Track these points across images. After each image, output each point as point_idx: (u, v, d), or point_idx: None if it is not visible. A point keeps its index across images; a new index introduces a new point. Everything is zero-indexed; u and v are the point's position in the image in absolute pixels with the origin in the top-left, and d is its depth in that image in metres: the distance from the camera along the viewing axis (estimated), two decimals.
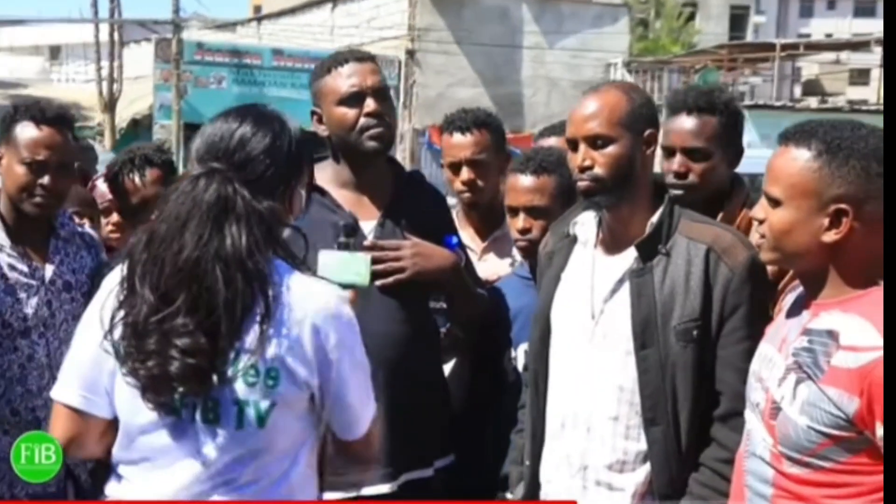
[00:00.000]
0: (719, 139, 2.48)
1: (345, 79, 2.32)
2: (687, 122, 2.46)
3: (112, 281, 1.68)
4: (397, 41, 17.33)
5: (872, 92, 24.17)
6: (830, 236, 1.63)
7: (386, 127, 2.32)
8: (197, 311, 1.56)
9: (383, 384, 2.08)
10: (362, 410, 1.74)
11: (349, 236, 2.13)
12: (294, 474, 1.67)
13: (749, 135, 13.24)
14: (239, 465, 1.62)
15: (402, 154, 16.63)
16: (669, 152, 2.48)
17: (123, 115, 16.93)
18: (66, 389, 1.71)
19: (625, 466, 2.02)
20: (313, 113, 2.39)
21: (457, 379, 2.64)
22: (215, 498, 1.62)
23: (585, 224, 2.13)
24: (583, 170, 2.01)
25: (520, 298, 2.48)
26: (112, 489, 1.72)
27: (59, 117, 2.35)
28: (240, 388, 1.60)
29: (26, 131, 2.34)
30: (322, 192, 2.35)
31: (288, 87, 15.13)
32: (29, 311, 2.33)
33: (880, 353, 1.53)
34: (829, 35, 31.10)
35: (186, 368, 1.56)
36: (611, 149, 1.99)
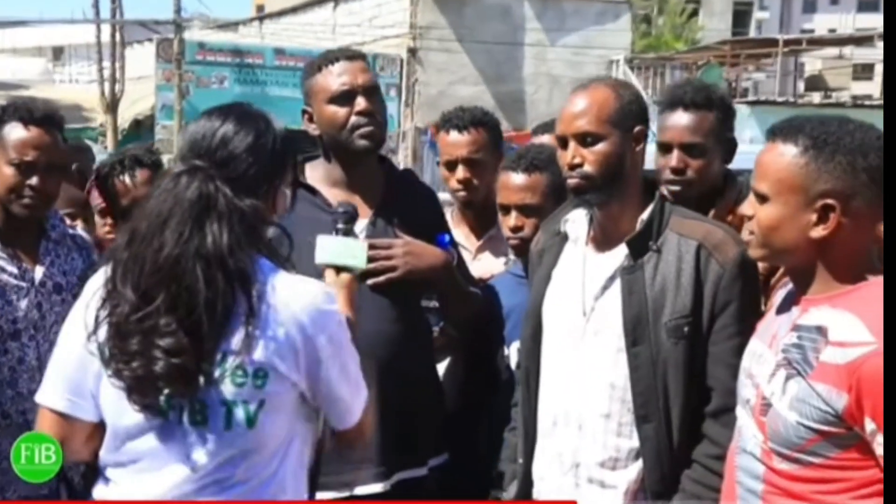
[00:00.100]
0: (716, 135, 2.48)
1: (335, 77, 2.31)
2: (684, 118, 2.45)
3: (96, 282, 1.67)
4: (399, 39, 17.32)
5: (876, 87, 24.09)
6: (818, 232, 1.63)
7: (377, 125, 2.32)
8: (177, 310, 1.56)
9: (375, 383, 2.08)
10: (353, 401, 1.75)
11: (348, 223, 2.13)
12: (283, 472, 1.67)
13: (752, 131, 13.24)
14: (229, 466, 1.62)
15: (404, 152, 16.63)
16: (666, 148, 2.47)
17: (125, 116, 16.95)
18: (51, 393, 1.70)
19: (617, 463, 2.02)
20: (304, 111, 2.38)
21: (451, 378, 2.64)
22: (204, 499, 1.62)
23: (576, 221, 2.13)
24: (572, 167, 2.01)
25: (513, 296, 2.47)
26: (99, 492, 1.71)
27: (47, 117, 2.34)
28: (227, 388, 1.59)
29: (14, 132, 2.33)
30: (313, 191, 2.35)
31: (290, 87, 15.11)
32: (19, 313, 2.33)
33: (868, 348, 1.53)
34: (832, 30, 31.03)
35: (171, 368, 1.55)
36: (600, 146, 1.99)
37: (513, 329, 2.44)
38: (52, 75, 25.04)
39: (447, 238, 2.46)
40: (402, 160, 16.05)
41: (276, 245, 1.71)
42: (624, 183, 2.02)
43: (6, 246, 2.37)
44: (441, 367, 2.63)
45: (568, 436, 2.06)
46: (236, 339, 1.57)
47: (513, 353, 2.44)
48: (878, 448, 1.54)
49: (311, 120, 2.37)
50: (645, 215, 2.03)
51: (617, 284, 2.02)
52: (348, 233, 2.10)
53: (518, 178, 2.43)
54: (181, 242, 1.56)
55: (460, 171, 2.77)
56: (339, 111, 2.30)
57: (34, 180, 2.31)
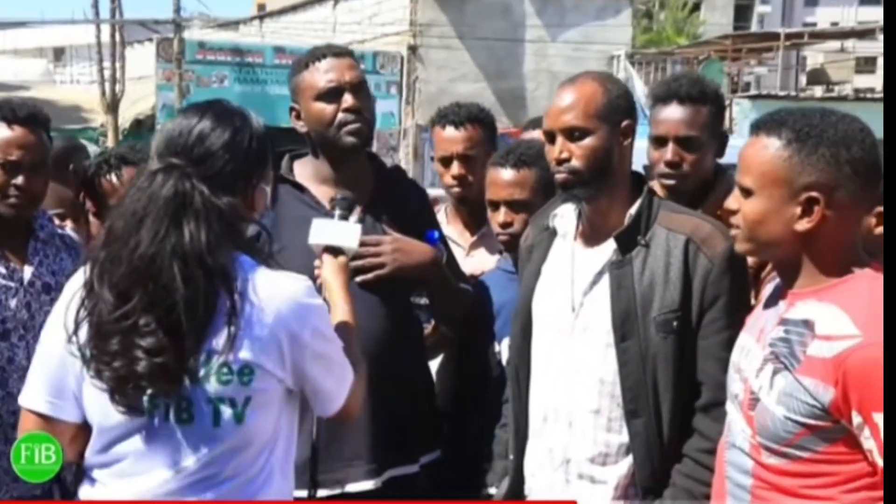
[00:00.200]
0: (710, 129, 2.48)
1: (322, 74, 2.31)
2: (679, 112, 2.45)
3: (75, 282, 1.67)
4: (399, 37, 17.30)
5: (878, 80, 23.98)
6: (803, 225, 1.62)
7: (364, 122, 2.31)
8: (155, 310, 1.55)
9: (366, 380, 2.08)
10: (338, 389, 1.75)
11: (346, 210, 2.13)
12: (270, 467, 1.67)
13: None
14: (217, 463, 1.62)
15: (405, 150, 16.62)
16: (660, 142, 2.47)
17: (126, 116, 16.92)
18: (33, 395, 1.70)
19: (607, 459, 2.02)
20: (291, 109, 2.38)
21: (444, 375, 2.64)
22: (193, 496, 1.62)
23: (565, 217, 2.13)
24: (560, 162, 2.00)
25: (504, 292, 2.47)
26: (85, 492, 1.71)
27: (31, 116, 2.34)
28: (214, 386, 1.59)
29: None
30: (301, 188, 2.35)
31: None
32: (8, 313, 2.32)
33: (854, 341, 1.52)
34: (834, 23, 30.93)
35: (153, 368, 1.55)
36: (587, 141, 1.98)
37: (503, 325, 2.43)
38: (52, 76, 25.04)
39: (436, 234, 2.46)
40: (403, 158, 16.05)
41: (264, 243, 1.71)
42: (612, 177, 2.01)
43: None
44: (434, 364, 2.63)
45: (558, 432, 2.05)
46: (220, 338, 1.57)
47: (504, 349, 2.43)
48: (866, 442, 1.53)
49: (298, 117, 2.36)
50: (633, 210, 2.02)
51: (605, 279, 2.01)
52: (345, 219, 2.11)
53: (507, 173, 2.42)
54: (157, 241, 1.55)
55: (455, 168, 2.76)
56: (327, 108, 2.30)
57: (19, 180, 2.30)
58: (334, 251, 2.03)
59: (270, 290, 1.63)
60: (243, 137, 1.68)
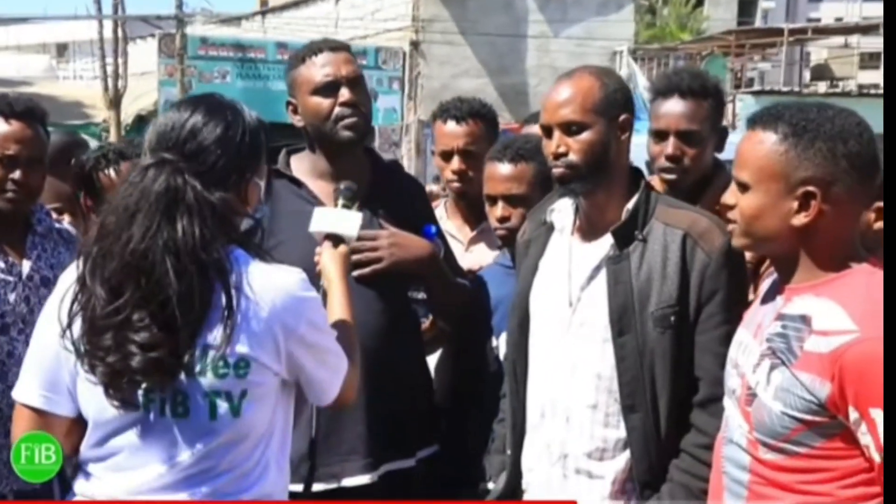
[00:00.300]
0: (711, 123, 2.47)
1: (319, 68, 2.30)
2: (681, 105, 2.44)
3: (68, 277, 1.67)
4: (401, 33, 17.28)
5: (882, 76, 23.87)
6: (800, 219, 1.62)
7: (361, 116, 2.31)
8: (148, 305, 1.55)
9: (363, 374, 2.08)
10: (332, 379, 1.76)
11: (349, 199, 2.13)
12: (266, 459, 1.68)
13: None
14: (214, 456, 1.62)
15: (407, 145, 16.61)
16: (661, 136, 2.46)
17: (129, 112, 16.94)
18: (26, 389, 1.70)
19: (604, 454, 2.01)
20: (288, 103, 2.37)
21: (443, 370, 2.63)
22: (188, 489, 1.62)
23: (562, 211, 2.12)
24: (557, 157, 2.00)
25: (501, 287, 2.46)
26: (80, 487, 1.71)
27: (28, 111, 2.34)
28: (210, 380, 1.59)
29: None
30: (298, 183, 2.34)
31: None
32: (7, 307, 2.33)
33: (851, 336, 1.52)
34: (838, 19, 30.82)
35: (148, 362, 1.55)
36: (584, 135, 1.98)
37: (501, 320, 2.42)
38: (55, 72, 25.06)
39: (433, 229, 2.46)
40: (405, 153, 16.04)
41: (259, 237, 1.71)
42: (609, 172, 2.01)
43: None
44: (432, 360, 2.62)
45: (555, 427, 2.05)
46: (216, 333, 1.57)
47: (501, 343, 2.43)
48: (863, 437, 1.53)
49: (295, 112, 2.36)
50: (630, 205, 2.02)
51: (603, 274, 2.01)
52: (348, 208, 2.11)
53: (504, 168, 2.42)
54: (149, 236, 1.55)
55: (455, 162, 2.76)
56: (323, 102, 2.29)
57: (17, 174, 2.31)
58: (335, 240, 2.03)
59: (265, 283, 1.63)
60: (236, 132, 1.68)
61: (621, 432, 1.99)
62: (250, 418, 1.63)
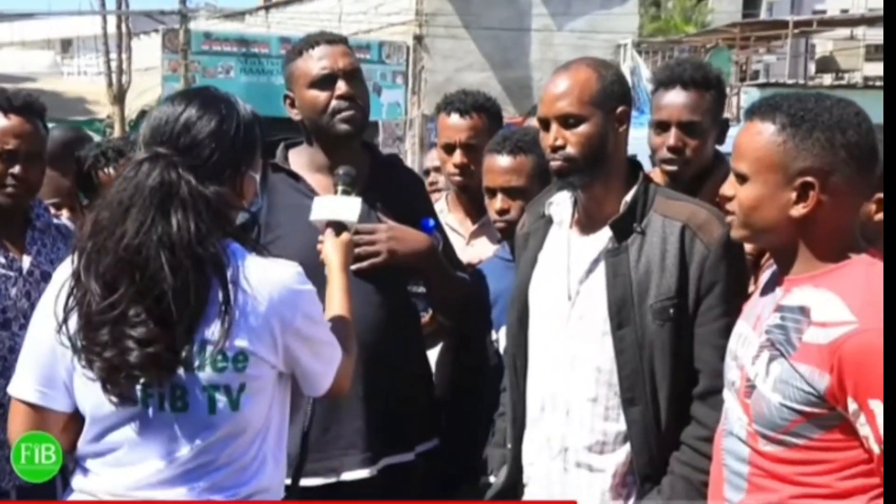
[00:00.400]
0: (712, 114, 2.46)
1: (315, 61, 2.30)
2: (683, 97, 2.43)
3: (64, 271, 1.66)
4: (405, 27, 17.28)
5: None
6: (798, 210, 1.61)
7: (357, 109, 2.30)
8: (144, 300, 1.55)
9: (361, 368, 2.08)
10: (327, 369, 1.76)
11: (348, 185, 2.13)
12: (263, 453, 1.68)
13: None
14: (213, 450, 1.62)
15: (411, 140, 16.61)
16: (663, 127, 2.45)
17: (133, 107, 16.99)
18: (22, 385, 1.69)
19: (605, 447, 2.01)
20: (286, 97, 2.37)
21: (443, 364, 2.63)
22: (187, 483, 1.62)
23: (560, 204, 2.11)
24: (555, 149, 1.99)
25: (501, 280, 2.45)
26: (78, 482, 1.71)
27: (27, 106, 2.34)
28: (209, 374, 1.59)
29: None
30: (296, 177, 2.34)
31: None
32: (8, 302, 2.33)
33: (849, 327, 1.51)
34: (844, 11, 30.68)
35: (145, 358, 1.55)
36: (582, 128, 1.97)
37: (501, 313, 2.42)
38: (60, 68, 25.11)
39: (432, 223, 2.45)
40: (409, 148, 16.04)
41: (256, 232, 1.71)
42: (607, 164, 2.00)
43: None
44: (432, 354, 2.62)
45: (556, 420, 2.04)
46: (214, 327, 1.57)
47: (501, 337, 2.42)
48: (862, 429, 1.53)
49: (292, 105, 2.36)
50: (629, 197, 2.01)
51: (601, 267, 2.00)
52: (347, 194, 2.11)
53: (503, 160, 2.41)
54: (143, 231, 1.54)
55: (457, 156, 2.75)
56: (320, 95, 2.28)
57: (16, 169, 2.31)
58: (337, 228, 2.03)
59: (262, 277, 1.63)
60: (230, 125, 1.67)
61: (621, 425, 1.99)
62: (248, 412, 1.63)
